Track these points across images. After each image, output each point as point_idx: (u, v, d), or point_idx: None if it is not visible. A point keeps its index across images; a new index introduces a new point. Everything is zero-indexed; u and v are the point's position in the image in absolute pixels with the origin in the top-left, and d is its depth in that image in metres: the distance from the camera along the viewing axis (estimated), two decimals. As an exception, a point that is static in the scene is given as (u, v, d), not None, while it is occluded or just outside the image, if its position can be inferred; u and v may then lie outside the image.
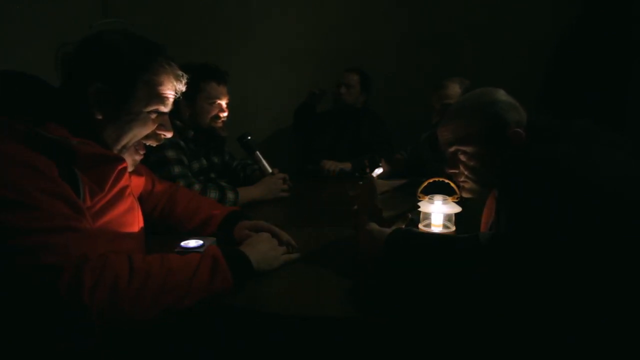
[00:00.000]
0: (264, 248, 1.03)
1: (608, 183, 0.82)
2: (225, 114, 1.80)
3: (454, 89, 1.91)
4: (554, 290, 0.78)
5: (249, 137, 1.84)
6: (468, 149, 1.07)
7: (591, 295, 0.78)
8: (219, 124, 1.79)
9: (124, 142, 0.92)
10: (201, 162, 1.76)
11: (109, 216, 0.89)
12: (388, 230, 1.02)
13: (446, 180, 1.28)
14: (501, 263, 0.80)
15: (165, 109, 0.96)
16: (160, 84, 0.92)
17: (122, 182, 0.93)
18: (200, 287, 0.83)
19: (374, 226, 1.07)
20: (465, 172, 1.10)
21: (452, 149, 1.10)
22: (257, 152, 1.83)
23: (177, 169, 1.54)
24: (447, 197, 1.24)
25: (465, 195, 1.15)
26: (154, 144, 1.00)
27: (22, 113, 0.81)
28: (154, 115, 0.94)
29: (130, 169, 0.98)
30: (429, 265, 0.89)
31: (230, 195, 1.58)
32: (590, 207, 0.78)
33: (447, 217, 1.25)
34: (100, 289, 0.70)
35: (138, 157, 1.00)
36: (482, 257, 0.81)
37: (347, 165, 2.35)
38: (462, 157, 1.09)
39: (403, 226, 1.21)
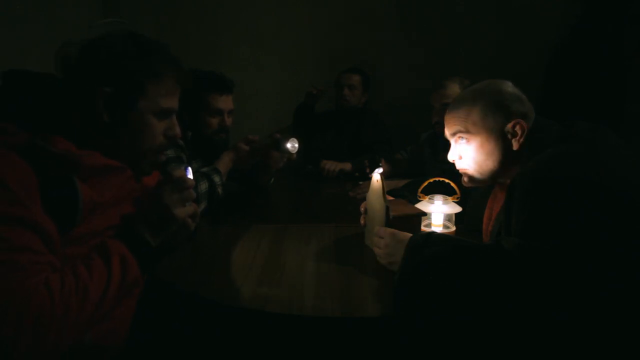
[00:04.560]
0: (150, 212, 0.87)
1: (626, 186, 0.83)
2: (228, 124, 1.75)
3: (454, 88, 1.91)
4: (581, 298, 0.77)
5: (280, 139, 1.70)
6: (470, 136, 1.07)
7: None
8: (222, 135, 1.75)
9: (139, 147, 0.90)
10: (199, 163, 1.76)
11: (115, 219, 0.87)
12: (409, 234, 1.00)
13: (446, 180, 1.28)
14: (532, 273, 0.78)
15: (174, 108, 0.93)
16: (166, 84, 0.90)
17: (129, 187, 0.90)
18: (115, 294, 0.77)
19: (394, 230, 1.06)
20: (467, 161, 1.10)
21: (455, 135, 1.10)
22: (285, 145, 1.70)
23: (173, 165, 1.54)
24: (447, 197, 1.24)
25: (465, 184, 1.14)
26: (167, 146, 0.95)
27: (30, 123, 0.80)
28: (162, 116, 0.91)
29: (147, 174, 0.95)
30: (451, 272, 0.86)
31: (216, 178, 1.56)
32: (613, 212, 0.79)
33: (447, 217, 1.25)
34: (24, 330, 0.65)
35: (159, 160, 0.95)
36: (509, 266, 0.80)
37: (347, 165, 2.35)
38: (464, 145, 1.09)
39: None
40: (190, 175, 0.90)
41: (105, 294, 0.75)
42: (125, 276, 0.78)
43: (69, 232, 0.78)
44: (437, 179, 1.30)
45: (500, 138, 1.04)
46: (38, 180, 0.74)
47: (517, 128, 1.02)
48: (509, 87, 1.08)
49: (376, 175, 1.18)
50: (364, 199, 1.25)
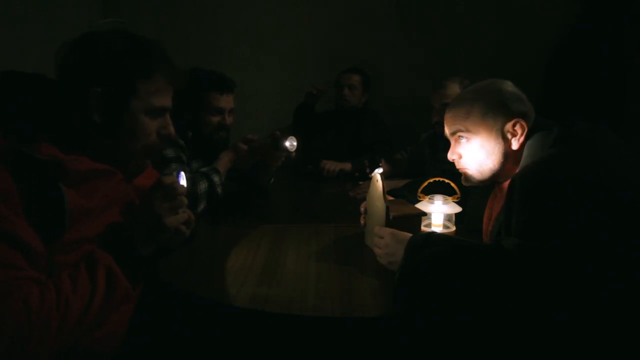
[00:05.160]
0: (141, 218, 0.85)
1: (626, 186, 0.83)
2: (229, 122, 1.75)
3: (454, 88, 1.91)
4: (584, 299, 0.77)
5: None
6: (470, 135, 1.07)
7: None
8: (222, 133, 1.75)
9: (132, 147, 0.88)
10: (200, 163, 1.76)
11: (105, 223, 0.85)
12: (409, 234, 1.00)
13: (446, 180, 1.28)
14: (532, 273, 0.78)
15: (166, 107, 0.92)
16: (157, 83, 0.88)
17: (121, 191, 0.89)
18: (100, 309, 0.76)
19: (394, 230, 1.06)
20: (467, 160, 1.10)
21: (455, 134, 1.10)
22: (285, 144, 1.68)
23: (173, 167, 1.54)
24: (447, 197, 1.24)
25: (465, 183, 1.14)
26: (160, 145, 0.94)
27: (14, 128, 0.78)
28: (155, 115, 0.90)
29: (137, 174, 0.95)
30: (451, 272, 0.85)
31: (215, 178, 1.56)
32: (613, 212, 0.79)
33: (447, 217, 1.25)
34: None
35: (147, 162, 0.95)
36: (509, 266, 0.80)
37: (347, 165, 2.35)
38: (464, 143, 1.09)
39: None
40: (182, 181, 0.87)
41: (88, 307, 0.73)
42: (112, 289, 0.76)
43: (59, 239, 0.76)
44: (437, 179, 1.30)
45: (500, 137, 1.04)
46: (22, 188, 0.72)
47: (517, 127, 1.02)
48: (509, 86, 1.08)
49: (376, 175, 1.18)
50: (364, 199, 1.25)
